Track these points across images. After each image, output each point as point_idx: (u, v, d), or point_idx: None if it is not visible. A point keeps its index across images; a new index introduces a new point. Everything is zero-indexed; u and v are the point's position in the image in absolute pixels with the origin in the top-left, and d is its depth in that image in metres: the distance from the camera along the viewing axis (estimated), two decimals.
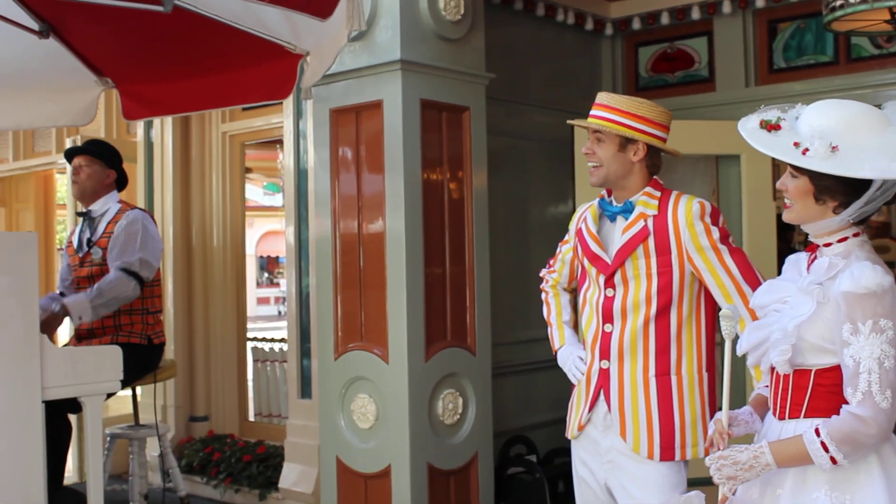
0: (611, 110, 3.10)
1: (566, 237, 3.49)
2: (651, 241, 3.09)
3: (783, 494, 2.40)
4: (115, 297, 4.73)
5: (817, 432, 2.27)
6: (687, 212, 3.08)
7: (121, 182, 5.16)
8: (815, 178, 2.33)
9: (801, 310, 2.38)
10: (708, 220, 3.08)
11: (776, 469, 2.36)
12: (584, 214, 3.32)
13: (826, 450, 2.25)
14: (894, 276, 2.32)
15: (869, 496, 2.29)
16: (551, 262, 3.57)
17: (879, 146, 2.26)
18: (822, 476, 2.33)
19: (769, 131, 2.37)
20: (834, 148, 2.26)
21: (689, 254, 3.07)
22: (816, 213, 2.39)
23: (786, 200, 2.46)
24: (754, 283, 2.98)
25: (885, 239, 9.72)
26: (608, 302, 3.15)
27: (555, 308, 3.52)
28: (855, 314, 2.24)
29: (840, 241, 2.40)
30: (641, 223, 3.11)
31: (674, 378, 3.10)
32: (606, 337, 3.16)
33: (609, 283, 3.15)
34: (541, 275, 3.62)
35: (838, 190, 2.32)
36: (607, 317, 3.16)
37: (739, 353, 2.57)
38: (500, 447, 5.44)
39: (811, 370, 2.39)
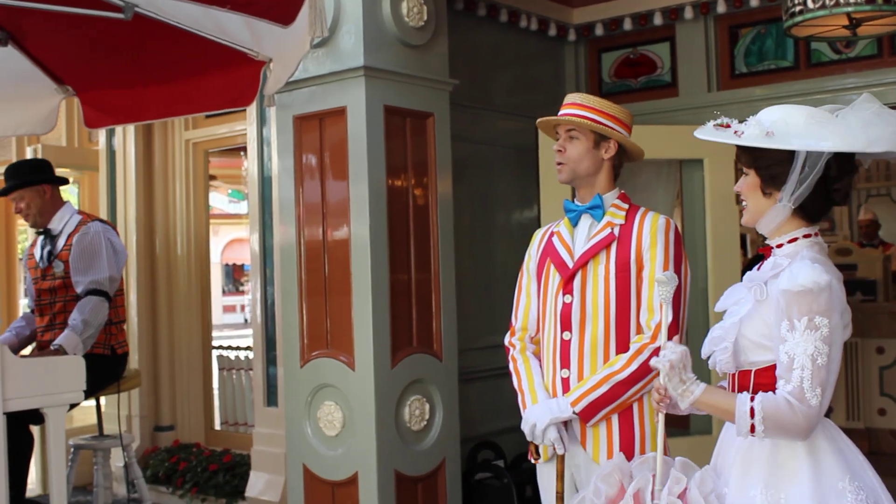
0: (585, 108, 3.14)
1: (520, 277, 3.36)
2: (614, 247, 3.10)
3: (728, 494, 2.46)
4: (100, 324, 4.76)
5: (752, 398, 2.35)
6: (653, 223, 3.11)
7: (58, 182, 5.09)
8: (761, 169, 2.46)
9: (743, 308, 2.47)
10: (672, 236, 3.10)
11: (688, 408, 2.48)
12: (552, 230, 3.29)
13: (752, 415, 2.32)
14: (844, 278, 2.39)
15: (796, 494, 2.33)
16: (513, 321, 3.36)
17: (813, 132, 2.38)
18: (760, 473, 2.39)
19: (719, 129, 2.49)
20: (769, 133, 2.39)
21: (642, 262, 3.07)
22: (765, 206, 2.49)
23: (742, 203, 2.56)
24: (675, 313, 2.96)
25: (849, 242, 9.85)
26: (566, 308, 3.12)
27: (525, 372, 3.24)
28: (791, 311, 2.31)
29: (790, 241, 2.48)
30: (608, 230, 3.13)
31: None
32: (565, 345, 3.13)
33: (567, 287, 3.13)
34: (505, 344, 3.35)
35: (782, 179, 2.43)
36: (565, 324, 3.12)
37: (703, 356, 2.62)
38: (468, 453, 5.45)
39: (752, 370, 2.46)
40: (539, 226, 5.10)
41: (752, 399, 2.34)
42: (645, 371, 2.98)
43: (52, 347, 4.57)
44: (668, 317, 2.63)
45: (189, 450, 6.56)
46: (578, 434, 3.11)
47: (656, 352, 2.91)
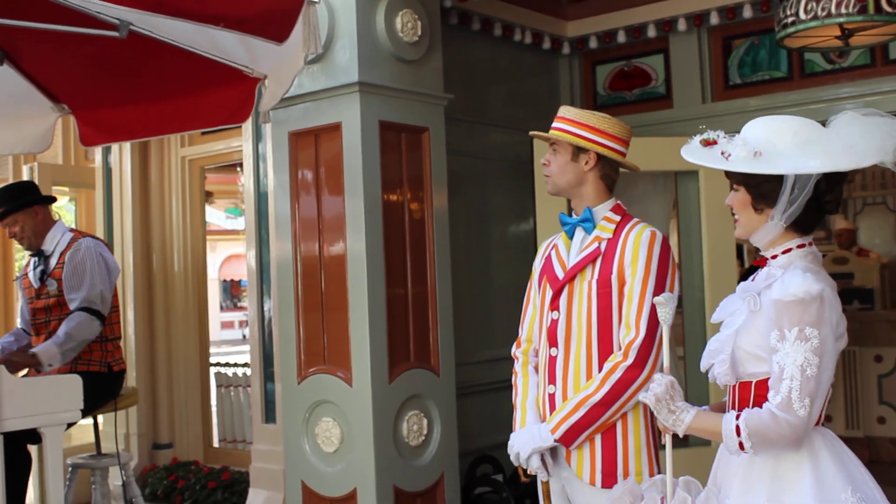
0: (566, 121, 3.15)
1: (529, 287, 3.37)
2: (599, 262, 3.07)
3: None
4: (83, 340, 4.72)
5: (738, 416, 2.36)
6: (637, 237, 3.06)
7: (46, 201, 5.07)
8: (751, 187, 2.46)
9: (738, 319, 2.47)
10: (657, 249, 3.04)
11: (685, 431, 2.47)
12: (554, 242, 3.28)
13: (738, 433, 2.34)
14: (841, 287, 2.38)
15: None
16: (520, 331, 3.38)
17: (801, 151, 2.37)
18: (762, 487, 2.38)
19: (705, 147, 2.48)
20: (757, 153, 2.38)
21: (624, 277, 3.04)
22: (757, 222, 2.49)
23: (735, 216, 2.56)
24: (651, 330, 2.94)
25: (845, 251, 9.86)
26: (553, 325, 3.12)
27: (521, 389, 3.26)
28: (782, 321, 2.31)
29: (784, 252, 2.48)
30: (596, 244, 3.10)
31: None
32: (552, 361, 3.12)
33: (554, 303, 3.12)
34: (512, 354, 3.36)
35: (773, 197, 2.42)
36: (552, 340, 3.12)
37: (702, 369, 2.62)
38: (467, 467, 5.43)
39: (752, 382, 2.45)
40: (535, 238, 5.10)
41: (738, 417, 2.35)
42: (620, 390, 2.96)
43: (28, 353, 4.55)
44: (665, 338, 2.60)
45: (187, 467, 6.55)
46: (563, 453, 3.09)
47: (629, 370, 2.93)
